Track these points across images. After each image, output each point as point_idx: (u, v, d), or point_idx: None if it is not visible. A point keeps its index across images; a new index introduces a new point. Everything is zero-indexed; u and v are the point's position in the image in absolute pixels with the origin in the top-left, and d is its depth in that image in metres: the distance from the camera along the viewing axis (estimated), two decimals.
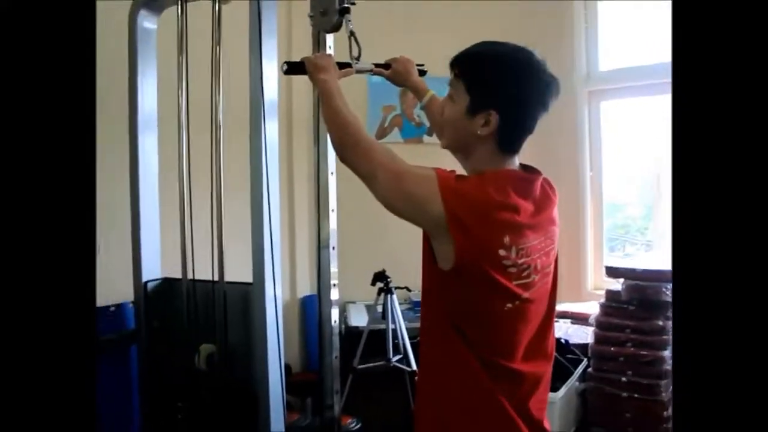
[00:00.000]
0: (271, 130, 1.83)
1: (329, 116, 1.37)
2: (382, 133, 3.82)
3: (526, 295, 1.24)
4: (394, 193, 1.23)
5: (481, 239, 1.17)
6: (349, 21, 1.63)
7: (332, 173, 1.78)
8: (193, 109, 2.06)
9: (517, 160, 1.31)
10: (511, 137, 1.27)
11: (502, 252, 1.18)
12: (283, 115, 3.41)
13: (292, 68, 1.54)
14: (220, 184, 1.97)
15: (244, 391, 1.93)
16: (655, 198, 3.80)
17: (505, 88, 1.23)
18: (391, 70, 1.69)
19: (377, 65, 1.68)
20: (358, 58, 1.61)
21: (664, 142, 3.63)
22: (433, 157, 1.45)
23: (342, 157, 1.33)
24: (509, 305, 1.22)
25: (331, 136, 1.36)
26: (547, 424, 1.33)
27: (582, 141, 3.78)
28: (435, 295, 1.28)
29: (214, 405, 1.98)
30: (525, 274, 1.23)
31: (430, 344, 1.32)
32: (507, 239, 1.19)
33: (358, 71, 1.60)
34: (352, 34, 1.62)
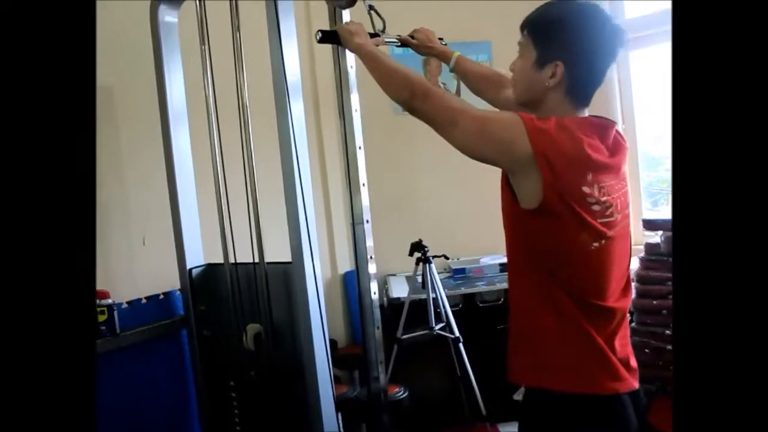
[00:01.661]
0: (297, 109, 1.86)
1: (385, 74, 1.43)
2: (378, 42, 3.80)
3: (610, 233, 1.29)
4: (477, 137, 1.30)
5: (567, 174, 1.23)
6: None
7: (360, 147, 1.80)
8: (220, 97, 2.11)
9: (587, 113, 1.36)
10: (578, 87, 1.32)
11: (586, 189, 1.25)
12: (309, 94, 3.43)
13: (326, 37, 1.57)
14: (252, 167, 2.02)
15: (292, 368, 1.99)
16: None
17: (567, 39, 1.29)
18: (415, 41, 1.74)
19: (400, 37, 1.70)
20: (383, 31, 1.64)
21: None
22: None
23: (413, 107, 1.38)
24: (596, 244, 1.28)
25: (394, 92, 1.41)
26: (633, 361, 1.38)
27: (612, 94, 3.71)
28: (521, 238, 1.34)
29: (263, 383, 2.05)
30: (608, 212, 1.29)
31: (521, 286, 1.38)
32: (590, 177, 1.25)
33: (386, 43, 1.63)
34: (371, 8, 1.65)
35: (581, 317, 1.30)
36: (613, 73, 3.69)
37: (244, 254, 2.08)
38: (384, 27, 1.66)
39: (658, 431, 2.30)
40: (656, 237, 2.61)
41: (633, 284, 2.64)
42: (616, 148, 1.35)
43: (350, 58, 1.79)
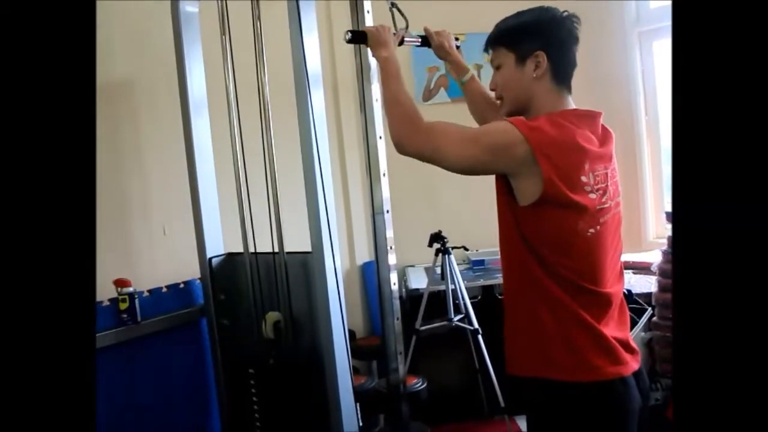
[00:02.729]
0: (318, 100, 1.86)
1: (387, 100, 1.49)
2: (428, 95, 3.79)
3: (603, 219, 1.37)
4: (471, 152, 1.35)
5: (566, 165, 1.30)
6: None
7: (380, 137, 1.80)
8: (241, 88, 2.11)
9: (572, 102, 1.44)
10: (561, 71, 1.42)
11: (583, 178, 1.32)
12: (329, 83, 3.43)
13: (355, 38, 1.58)
14: (272, 158, 2.02)
15: (311, 357, 2.00)
16: None
17: (538, 30, 1.41)
18: (435, 43, 1.74)
19: (421, 37, 1.71)
20: (406, 29, 1.67)
21: None
22: None
23: (401, 146, 1.42)
24: (592, 230, 1.35)
25: (391, 122, 1.46)
26: (632, 343, 1.43)
27: (635, 85, 3.65)
28: (518, 236, 1.37)
29: (282, 372, 2.07)
30: (603, 199, 1.36)
31: (516, 281, 1.43)
32: (586, 165, 1.33)
33: (406, 43, 1.65)
34: (393, 5, 1.66)
35: (578, 306, 1.34)
36: (636, 65, 3.64)
37: (264, 244, 2.10)
38: (407, 26, 1.67)
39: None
40: None
41: (655, 278, 2.63)
42: (606, 137, 1.44)
43: None
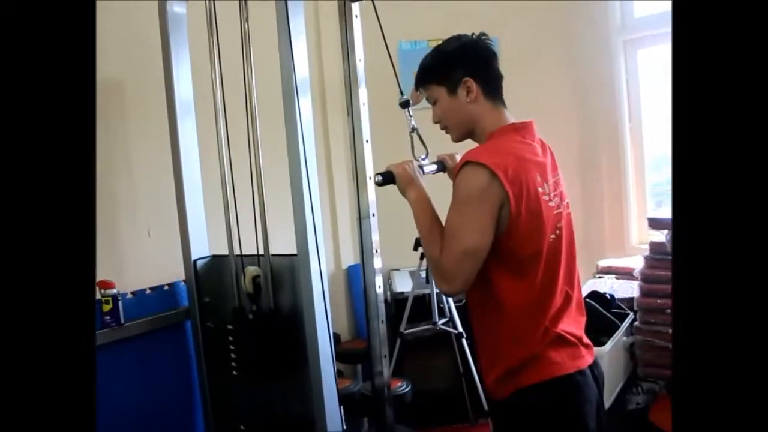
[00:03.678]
0: (305, 105, 1.86)
1: (422, 239, 1.54)
2: (416, 99, 3.80)
3: (561, 224, 1.48)
4: (480, 243, 1.38)
5: (525, 182, 1.39)
6: (410, 117, 1.76)
7: (367, 141, 1.80)
8: (228, 91, 2.11)
9: (508, 115, 1.54)
10: (491, 88, 1.53)
11: (540, 189, 1.43)
12: (316, 87, 3.44)
13: (385, 180, 1.63)
14: (258, 160, 2.03)
15: (296, 360, 2.00)
16: None
17: (459, 58, 1.51)
18: (449, 167, 1.78)
19: (435, 162, 1.75)
20: (425, 157, 1.73)
21: None
22: None
23: (436, 263, 1.47)
24: (553, 236, 1.46)
25: (426, 248, 1.52)
26: (586, 339, 1.54)
27: (619, 93, 3.68)
28: (488, 263, 1.43)
29: (265, 372, 2.07)
30: (556, 204, 1.48)
31: (479, 304, 1.51)
32: (539, 177, 1.44)
33: (425, 173, 1.68)
34: (414, 130, 1.75)
35: (539, 312, 1.44)
36: (620, 73, 3.68)
37: (250, 247, 2.10)
38: (427, 153, 1.73)
39: (660, 430, 2.32)
40: (661, 236, 2.61)
41: (637, 283, 2.66)
42: (543, 147, 1.55)
43: (359, 52, 1.80)
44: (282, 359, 2.05)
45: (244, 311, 2.11)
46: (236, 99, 2.06)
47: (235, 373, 2.15)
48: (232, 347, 2.14)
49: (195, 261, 2.24)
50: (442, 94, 1.54)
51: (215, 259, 2.27)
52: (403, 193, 1.62)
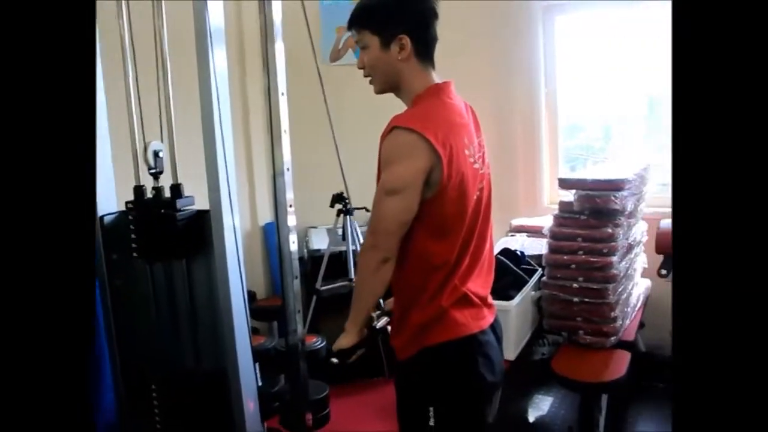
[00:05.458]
0: (220, 56, 1.81)
1: (366, 296, 1.55)
2: (335, 55, 3.77)
3: (482, 185, 1.52)
4: (406, 199, 1.40)
5: (456, 146, 1.41)
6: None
7: (283, 94, 1.78)
8: (137, 38, 2.01)
9: (435, 75, 1.53)
10: (424, 50, 1.50)
11: (467, 152, 1.46)
12: (233, 39, 3.34)
13: (340, 357, 1.66)
14: (170, 113, 1.96)
15: (209, 316, 1.99)
16: (612, 118, 3.89)
17: (401, 12, 1.47)
18: None
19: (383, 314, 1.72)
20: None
21: (622, 58, 3.66)
22: None
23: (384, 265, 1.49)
24: (474, 197, 1.48)
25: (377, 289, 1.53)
26: (491, 300, 1.61)
27: (536, 58, 3.78)
28: (414, 224, 1.45)
29: (179, 332, 2.04)
30: (480, 166, 1.52)
31: (402, 258, 1.51)
32: (466, 140, 1.47)
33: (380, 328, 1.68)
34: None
35: (452, 270, 1.48)
36: (538, 39, 3.77)
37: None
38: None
39: (561, 376, 2.47)
40: (570, 195, 2.73)
41: (546, 240, 2.79)
42: (466, 107, 1.56)
43: (276, 4, 1.76)
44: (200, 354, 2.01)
45: (143, 188, 2.02)
46: (146, 47, 1.98)
47: (135, 255, 2.05)
48: (133, 236, 2.05)
49: (102, 217, 2.16)
50: (374, 45, 1.50)
51: (124, 215, 2.19)
52: (355, 335, 1.64)
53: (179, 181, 1.97)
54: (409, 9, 1.48)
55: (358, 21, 1.52)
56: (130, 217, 2.01)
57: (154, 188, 2.00)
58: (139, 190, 2.01)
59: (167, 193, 1.96)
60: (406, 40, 1.46)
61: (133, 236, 2.00)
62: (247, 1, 3.29)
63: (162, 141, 1.98)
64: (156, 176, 2.01)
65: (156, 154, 2.00)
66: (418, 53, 1.49)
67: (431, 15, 1.50)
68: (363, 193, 3.33)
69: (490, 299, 1.62)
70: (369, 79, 1.57)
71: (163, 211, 1.92)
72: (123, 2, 1.96)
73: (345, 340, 1.63)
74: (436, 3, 1.51)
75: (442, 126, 1.41)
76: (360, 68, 1.56)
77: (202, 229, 1.90)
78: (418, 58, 1.49)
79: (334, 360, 1.65)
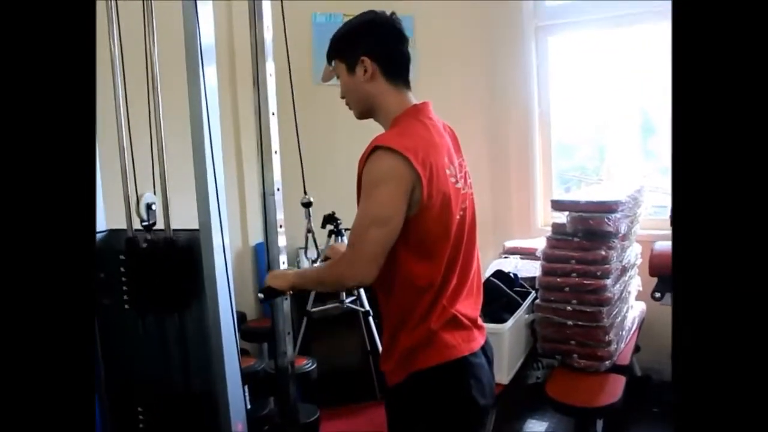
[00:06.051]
0: (210, 74, 1.80)
1: (320, 285, 1.67)
2: (328, 75, 3.77)
3: (465, 205, 1.52)
4: (385, 237, 1.40)
5: (435, 165, 1.42)
6: (310, 219, 1.83)
7: (273, 114, 1.78)
8: (128, 54, 2.02)
9: (411, 96, 1.55)
10: (391, 68, 1.53)
11: (447, 171, 1.47)
12: (224, 56, 3.35)
13: (267, 295, 1.68)
14: (160, 130, 1.95)
15: (197, 337, 1.96)
16: (606, 137, 3.91)
17: (358, 37, 1.53)
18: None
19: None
20: (315, 260, 1.81)
21: (615, 79, 3.70)
22: None
23: (355, 285, 1.59)
24: (458, 217, 1.48)
25: (332, 288, 1.66)
26: (481, 322, 1.60)
27: (530, 78, 3.82)
28: (397, 245, 1.45)
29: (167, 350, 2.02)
30: (462, 186, 1.52)
31: (383, 278, 1.49)
32: (446, 159, 1.48)
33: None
34: (309, 231, 1.72)
35: (439, 291, 1.48)
36: (531, 59, 3.80)
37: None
38: (317, 256, 1.80)
39: (555, 401, 2.44)
40: (563, 217, 2.73)
41: (540, 262, 2.78)
42: (444, 128, 1.58)
43: (267, 21, 1.77)
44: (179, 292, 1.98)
45: (137, 239, 2.00)
46: (137, 63, 1.97)
47: (126, 306, 2.03)
48: (124, 278, 2.03)
49: None
50: (343, 71, 1.56)
51: (112, 233, 2.18)
52: (288, 287, 1.65)
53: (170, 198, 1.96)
54: (368, 32, 1.53)
55: (329, 52, 1.59)
56: (122, 269, 2.02)
57: (147, 240, 1.98)
58: (131, 242, 2.01)
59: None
60: (368, 62, 1.50)
61: (124, 287, 2.02)
62: (238, 20, 3.30)
63: (152, 157, 1.96)
64: (149, 228, 1.99)
65: (149, 206, 1.99)
66: (385, 73, 1.52)
67: (394, 34, 1.54)
68: (354, 215, 3.35)
69: (480, 321, 1.60)
70: (348, 106, 1.62)
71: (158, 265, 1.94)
72: (114, 18, 1.96)
73: (279, 282, 1.66)
74: (399, 24, 1.55)
75: (422, 145, 1.42)
76: (342, 98, 1.61)
77: (196, 277, 1.90)
78: (387, 78, 1.52)
79: (261, 295, 1.68)
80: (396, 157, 1.38)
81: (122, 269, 2.00)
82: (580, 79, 3.88)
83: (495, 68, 3.85)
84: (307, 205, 1.77)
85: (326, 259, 1.77)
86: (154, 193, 1.98)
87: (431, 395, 1.48)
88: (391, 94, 1.53)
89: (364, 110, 1.58)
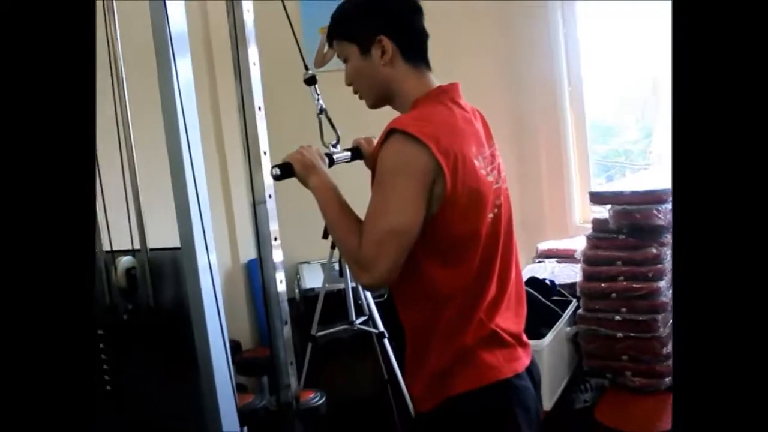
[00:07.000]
0: (184, 67, 1.81)
1: (332, 232, 1.55)
2: (321, 60, 3.79)
3: (500, 201, 1.50)
4: (408, 234, 1.38)
5: (461, 154, 1.39)
6: (318, 96, 1.73)
7: (260, 108, 1.76)
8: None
9: (433, 78, 1.53)
10: (411, 48, 1.51)
11: (476, 162, 1.44)
12: (200, 47, 3.36)
13: (284, 172, 1.59)
14: (129, 137, 1.96)
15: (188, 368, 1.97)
16: (652, 115, 3.86)
17: (374, 13, 1.50)
18: (366, 152, 1.77)
19: (349, 149, 1.74)
20: (336, 144, 1.72)
21: (660, 46, 3.66)
22: None
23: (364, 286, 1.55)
24: (491, 215, 1.48)
25: (339, 241, 1.53)
26: (525, 337, 1.58)
27: (557, 52, 3.79)
28: (417, 247, 1.43)
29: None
30: (495, 179, 1.50)
31: (404, 288, 1.51)
32: (474, 149, 1.45)
33: (337, 162, 1.67)
34: (322, 111, 1.73)
35: (473, 302, 1.46)
36: (558, 30, 3.78)
37: (124, 241, 2.03)
38: (338, 139, 1.72)
39: (607, 428, 2.43)
40: (604, 212, 2.71)
41: (580, 265, 2.77)
42: (474, 112, 1.56)
43: (246, 4, 1.76)
44: (166, 369, 2.00)
45: (117, 309, 2.03)
46: (99, 60, 1.98)
47: (108, 387, 2.07)
48: (103, 356, 2.05)
49: None
50: (354, 54, 1.53)
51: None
52: (304, 182, 1.59)
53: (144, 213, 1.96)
54: (383, 7, 1.51)
55: (333, 32, 1.56)
56: (101, 346, 2.03)
57: (128, 311, 2.01)
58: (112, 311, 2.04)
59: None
60: (386, 41, 1.48)
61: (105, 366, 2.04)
62: (213, 0, 3.32)
63: (122, 167, 1.97)
64: (131, 298, 2.01)
65: (128, 271, 2.00)
66: (404, 54, 1.50)
67: (410, 9, 1.52)
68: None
69: (524, 337, 1.58)
70: (359, 94, 1.59)
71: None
72: None
73: (303, 175, 1.58)
74: None
75: (444, 131, 1.40)
76: (348, 85, 1.58)
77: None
78: (406, 59, 1.51)
79: (277, 170, 1.61)
80: (414, 144, 1.36)
81: (101, 345, 2.04)
82: (617, 49, 3.85)
83: (515, 43, 3.83)
84: (310, 81, 1.73)
85: (355, 150, 1.74)
86: (128, 217, 1.99)
87: (469, 425, 1.46)
88: (412, 78, 1.52)
89: (380, 98, 1.56)
